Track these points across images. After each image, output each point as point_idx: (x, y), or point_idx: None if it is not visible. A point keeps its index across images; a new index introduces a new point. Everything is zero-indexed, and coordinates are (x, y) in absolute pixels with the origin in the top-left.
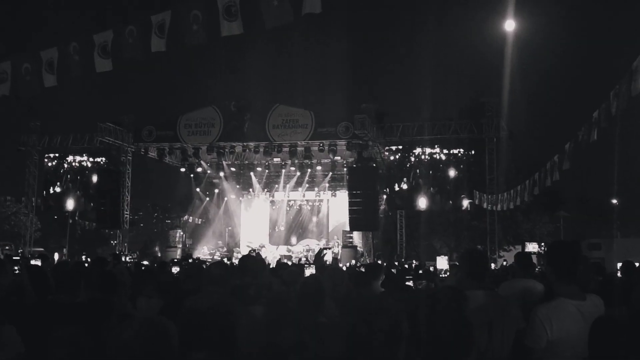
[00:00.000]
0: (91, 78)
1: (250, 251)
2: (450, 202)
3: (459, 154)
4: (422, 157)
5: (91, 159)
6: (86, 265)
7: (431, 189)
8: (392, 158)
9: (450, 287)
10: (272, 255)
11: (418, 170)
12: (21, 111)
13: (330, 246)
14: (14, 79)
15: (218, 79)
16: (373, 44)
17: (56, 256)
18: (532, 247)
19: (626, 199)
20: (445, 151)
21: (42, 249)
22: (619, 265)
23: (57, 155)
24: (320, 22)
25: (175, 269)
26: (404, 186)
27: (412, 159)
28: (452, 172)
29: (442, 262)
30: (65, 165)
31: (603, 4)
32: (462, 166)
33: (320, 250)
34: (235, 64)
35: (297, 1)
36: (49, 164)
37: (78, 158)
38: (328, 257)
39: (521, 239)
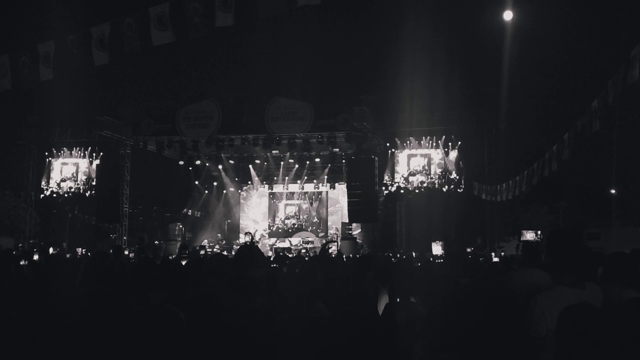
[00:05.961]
0: (88, 71)
1: (246, 234)
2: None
3: (451, 152)
4: (412, 159)
5: (90, 153)
6: (79, 257)
7: (428, 179)
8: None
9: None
10: (270, 247)
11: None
12: (20, 104)
13: (335, 239)
14: (13, 73)
15: (216, 71)
16: (372, 34)
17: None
18: (529, 235)
19: (625, 188)
20: (439, 150)
21: (42, 243)
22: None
23: (55, 148)
24: (319, 12)
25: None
26: (401, 179)
27: (404, 155)
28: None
29: (437, 249)
30: (64, 159)
31: None
32: (460, 163)
33: (326, 244)
34: (233, 56)
35: None
36: (48, 158)
37: (77, 151)
38: (333, 250)
39: (520, 229)
